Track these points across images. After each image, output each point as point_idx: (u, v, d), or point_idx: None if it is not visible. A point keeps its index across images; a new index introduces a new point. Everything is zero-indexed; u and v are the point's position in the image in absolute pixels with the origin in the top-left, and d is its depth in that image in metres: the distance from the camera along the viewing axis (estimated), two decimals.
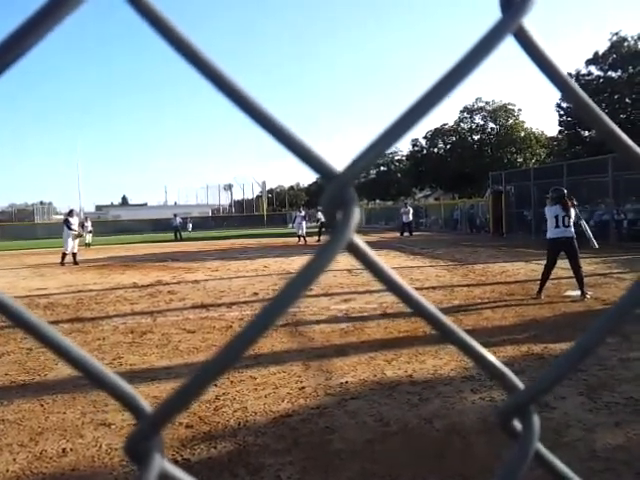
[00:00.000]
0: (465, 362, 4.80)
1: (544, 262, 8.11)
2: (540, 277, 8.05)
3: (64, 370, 4.96)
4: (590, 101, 0.42)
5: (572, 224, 7.80)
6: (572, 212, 7.82)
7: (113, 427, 3.60)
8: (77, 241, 16.71)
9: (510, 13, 0.38)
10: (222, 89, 0.35)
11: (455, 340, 0.43)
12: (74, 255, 16.42)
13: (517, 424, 0.47)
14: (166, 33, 0.33)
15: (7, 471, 3.00)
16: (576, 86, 0.42)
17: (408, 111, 0.38)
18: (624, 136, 0.44)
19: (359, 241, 0.37)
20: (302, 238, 23.56)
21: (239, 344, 0.34)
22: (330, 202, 0.37)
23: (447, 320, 0.42)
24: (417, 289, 6.62)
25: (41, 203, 77.43)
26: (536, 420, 0.47)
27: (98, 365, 0.36)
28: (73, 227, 16.29)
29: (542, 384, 0.46)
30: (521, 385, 0.47)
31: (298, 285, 0.35)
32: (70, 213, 17.06)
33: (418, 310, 0.41)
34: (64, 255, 16.34)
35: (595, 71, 30.84)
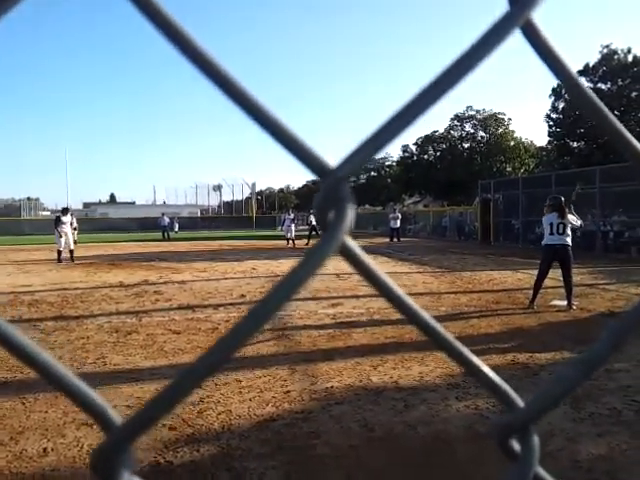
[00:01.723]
0: (451, 369, 4.81)
1: (531, 271, 8.16)
2: (533, 286, 8.04)
3: None
4: (597, 100, 0.41)
5: (569, 232, 7.73)
6: (571, 218, 7.77)
7: (95, 427, 3.56)
8: (73, 238, 16.47)
9: (518, 5, 0.37)
10: (211, 75, 0.33)
11: (450, 351, 0.42)
12: (71, 252, 16.26)
13: (515, 444, 0.44)
14: (151, 17, 0.32)
15: None
16: (584, 85, 0.41)
17: (408, 105, 0.36)
18: (630, 137, 0.43)
19: (352, 243, 0.36)
20: (291, 241, 23.53)
21: (222, 350, 0.33)
22: (323, 200, 0.35)
23: (442, 329, 0.41)
24: None
25: (28, 199, 76.76)
26: (536, 441, 0.44)
27: (65, 372, 0.34)
28: (60, 226, 16.07)
29: (544, 402, 0.43)
30: (521, 402, 0.44)
31: (286, 289, 0.34)
32: (64, 211, 16.85)
33: (413, 319, 0.40)
34: (59, 252, 16.19)
35: (585, 82, 30.98)
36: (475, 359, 0.43)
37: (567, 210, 7.80)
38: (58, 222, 16.19)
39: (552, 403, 0.43)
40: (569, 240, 7.71)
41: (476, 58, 0.36)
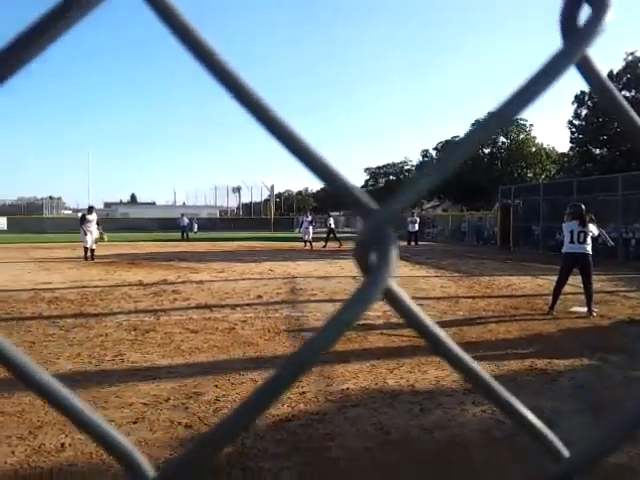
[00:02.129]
0: None
1: (551, 277, 8.07)
2: (552, 293, 7.96)
3: (66, 365, 4.97)
4: None
5: (589, 241, 7.68)
6: (591, 227, 7.72)
7: (113, 424, 3.59)
8: (95, 237, 16.56)
9: (574, 41, 0.35)
10: (257, 116, 0.32)
11: (499, 400, 0.40)
12: (92, 251, 16.38)
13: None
14: (179, 32, 0.31)
15: (5, 463, 3.00)
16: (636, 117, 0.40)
17: (458, 143, 0.36)
18: None
19: (398, 289, 0.35)
20: (308, 243, 23.55)
21: (260, 398, 0.32)
22: (365, 241, 0.34)
23: (496, 383, 0.39)
24: (422, 299, 6.63)
25: (50, 198, 77.78)
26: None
27: (89, 413, 0.32)
28: (85, 224, 16.18)
29: (592, 454, 0.40)
30: (566, 452, 0.41)
31: (330, 333, 0.33)
32: (89, 210, 16.95)
33: (468, 373, 0.38)
34: (86, 249, 16.31)
35: None
36: (521, 407, 0.41)
37: (588, 219, 7.73)
38: (84, 220, 16.32)
39: (602, 454, 0.40)
40: (589, 248, 7.66)
41: (528, 98, 0.35)
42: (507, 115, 0.35)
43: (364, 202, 0.35)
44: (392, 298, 0.35)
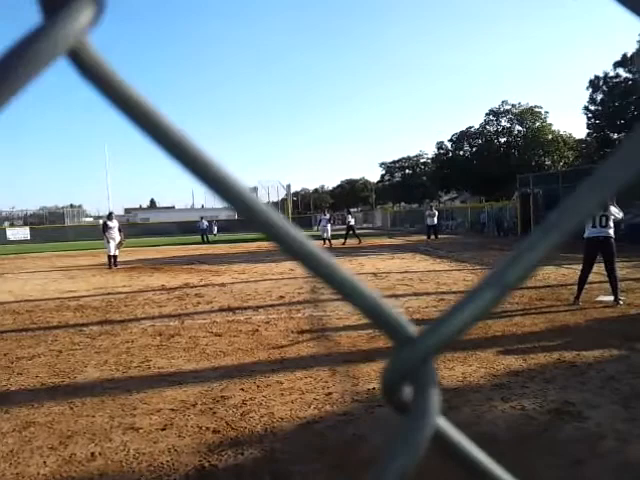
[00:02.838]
0: (495, 369, 4.72)
1: (575, 266, 7.93)
2: (577, 282, 7.80)
3: (93, 373, 5.02)
4: None
5: (611, 224, 7.49)
6: (613, 210, 7.48)
7: (141, 431, 3.62)
8: (117, 243, 16.56)
9: None
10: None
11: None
12: (115, 258, 16.46)
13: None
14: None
15: (38, 474, 3.03)
16: None
17: (525, 250, 0.31)
18: None
19: (448, 427, 0.32)
20: (327, 241, 23.54)
21: None
22: (399, 375, 0.31)
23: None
24: (444, 293, 6.59)
25: (71, 206, 78.85)
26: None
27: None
28: (108, 231, 16.24)
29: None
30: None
31: None
32: (109, 216, 16.96)
33: None
34: (109, 257, 16.38)
35: (623, 73, 30.28)
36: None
37: (609, 202, 7.55)
38: (105, 228, 16.35)
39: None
40: (612, 232, 7.47)
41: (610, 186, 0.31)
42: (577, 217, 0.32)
43: (402, 327, 0.31)
44: (444, 439, 0.32)
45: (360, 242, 24.27)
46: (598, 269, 7.80)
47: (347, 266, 14.08)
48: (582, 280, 7.67)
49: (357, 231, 26.30)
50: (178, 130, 0.30)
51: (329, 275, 0.32)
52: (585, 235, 7.71)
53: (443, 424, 0.32)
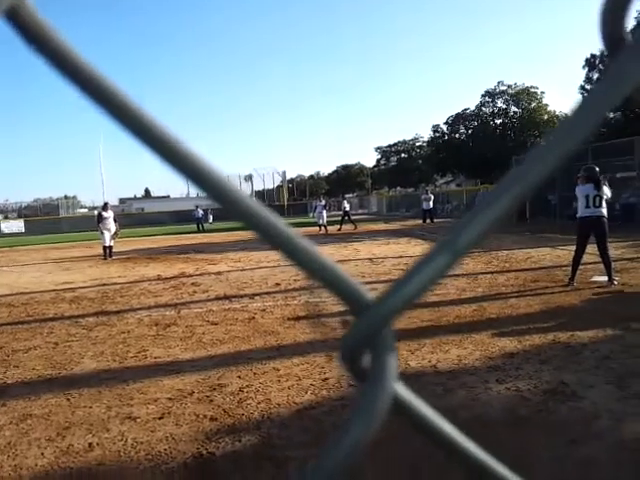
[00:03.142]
0: (490, 351, 4.74)
1: (569, 247, 7.93)
2: (571, 263, 7.80)
3: (90, 364, 5.03)
4: None
5: (604, 204, 7.48)
6: (605, 190, 7.48)
7: (139, 420, 3.63)
8: (112, 234, 16.31)
9: (628, 59, 0.30)
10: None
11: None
12: (110, 248, 16.32)
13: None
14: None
15: (36, 465, 3.04)
16: None
17: (475, 214, 0.31)
18: None
19: (407, 394, 0.31)
20: (323, 227, 23.54)
21: None
22: (357, 342, 0.30)
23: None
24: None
25: (65, 197, 78.61)
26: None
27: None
28: (102, 222, 16.05)
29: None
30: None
31: (338, 460, 0.29)
32: (104, 207, 16.82)
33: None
34: (105, 248, 16.20)
35: None
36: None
37: (603, 182, 7.54)
38: (100, 218, 16.27)
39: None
40: (605, 212, 7.47)
41: (564, 147, 0.32)
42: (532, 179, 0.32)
43: (359, 294, 0.31)
44: (402, 406, 0.31)
45: (356, 228, 24.28)
46: (592, 250, 7.81)
47: (343, 252, 14.10)
48: (576, 261, 7.67)
49: (353, 217, 26.30)
50: (133, 102, 0.29)
51: (290, 246, 0.31)
52: (578, 215, 7.69)
53: (402, 391, 0.31)
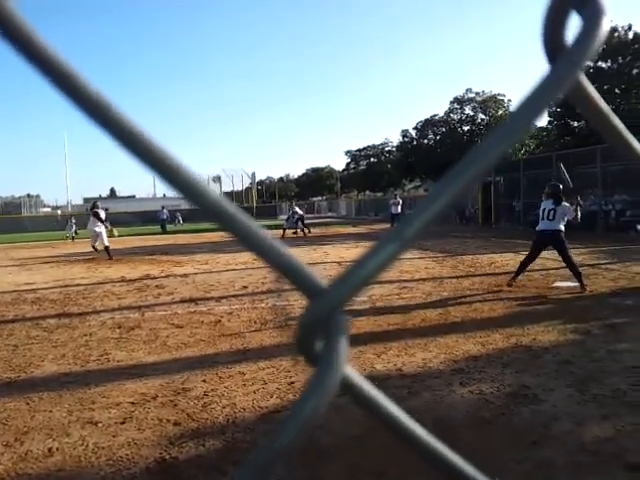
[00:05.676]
0: (454, 355, 4.80)
1: None
2: (519, 264, 8.19)
3: (50, 367, 4.91)
4: None
5: (562, 219, 7.71)
6: (565, 205, 7.71)
7: (100, 425, 3.56)
8: (105, 233, 15.54)
9: (563, 66, 0.31)
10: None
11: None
12: (97, 248, 15.71)
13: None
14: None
15: None
16: (632, 138, 0.37)
17: (421, 208, 0.32)
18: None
19: (356, 376, 0.32)
20: (300, 230, 23.61)
21: None
22: (310, 327, 0.31)
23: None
24: (406, 281, 6.63)
25: (28, 196, 76.65)
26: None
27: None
28: (104, 221, 15.43)
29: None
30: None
31: (287, 436, 0.31)
32: (96, 206, 16.03)
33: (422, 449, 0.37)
34: (106, 248, 15.42)
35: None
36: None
37: (564, 199, 7.80)
38: (99, 216, 15.42)
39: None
40: (560, 225, 7.72)
41: (505, 138, 0.33)
42: (487, 162, 0.34)
43: (313, 281, 0.32)
44: (350, 388, 0.32)
45: (309, 232, 24.28)
46: (554, 256, 8.00)
47: (312, 255, 14.10)
48: (523, 263, 8.10)
49: (319, 220, 26.28)
50: (101, 95, 0.28)
51: (245, 233, 0.33)
52: (537, 227, 8.04)
53: (351, 374, 0.32)
